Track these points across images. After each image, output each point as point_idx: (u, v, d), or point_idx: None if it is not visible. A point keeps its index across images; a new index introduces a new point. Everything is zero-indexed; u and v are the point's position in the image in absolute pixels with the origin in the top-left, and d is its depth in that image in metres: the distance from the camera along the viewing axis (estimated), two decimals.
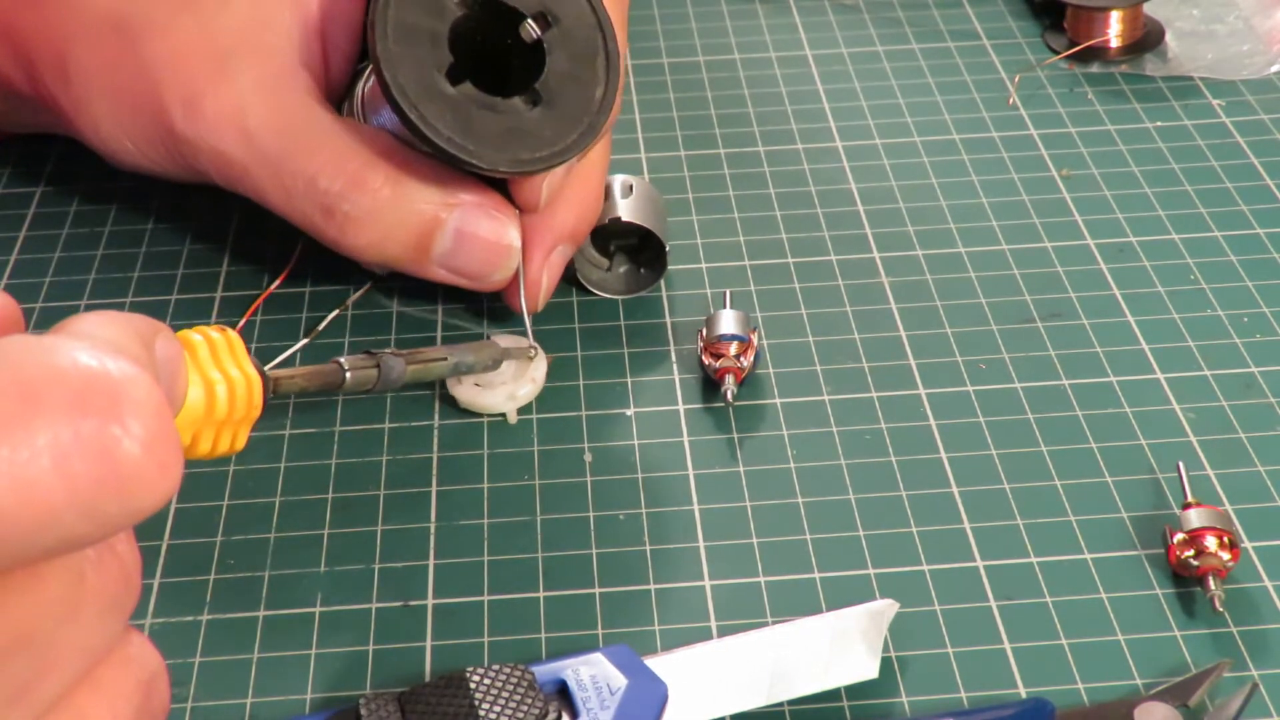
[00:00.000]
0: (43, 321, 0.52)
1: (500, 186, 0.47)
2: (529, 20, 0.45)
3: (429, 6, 0.44)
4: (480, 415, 0.47)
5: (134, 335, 0.28)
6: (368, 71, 0.49)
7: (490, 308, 0.51)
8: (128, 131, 0.49)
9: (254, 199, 0.48)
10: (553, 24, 0.45)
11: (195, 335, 0.34)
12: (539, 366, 0.47)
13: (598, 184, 0.50)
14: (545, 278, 0.48)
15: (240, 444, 0.35)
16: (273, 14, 0.48)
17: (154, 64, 0.48)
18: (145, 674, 0.28)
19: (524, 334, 0.48)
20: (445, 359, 0.44)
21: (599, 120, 0.45)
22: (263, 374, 0.36)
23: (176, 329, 0.50)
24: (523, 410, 0.47)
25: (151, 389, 0.25)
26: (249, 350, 0.35)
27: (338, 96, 0.50)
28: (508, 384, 0.47)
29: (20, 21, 0.50)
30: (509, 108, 0.45)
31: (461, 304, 0.51)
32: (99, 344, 0.26)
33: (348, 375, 0.40)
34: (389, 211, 0.46)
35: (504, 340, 0.47)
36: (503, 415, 0.47)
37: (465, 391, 0.47)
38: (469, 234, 0.46)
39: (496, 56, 0.46)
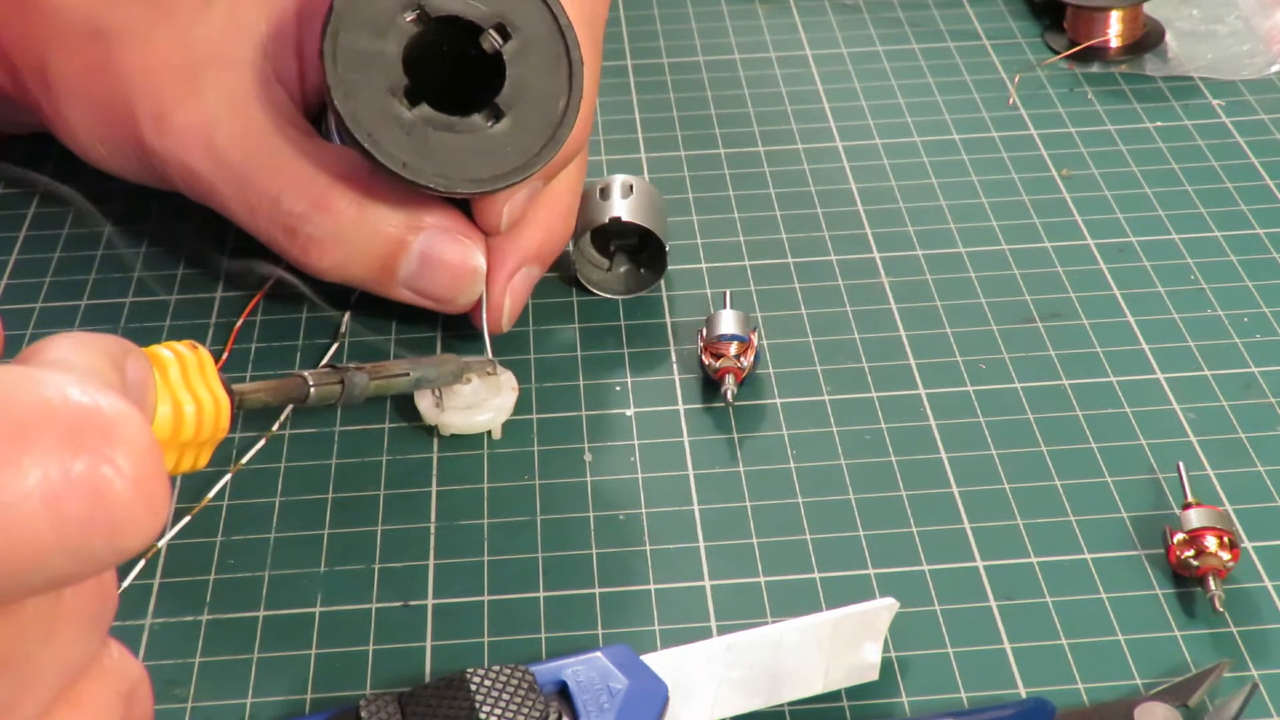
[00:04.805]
0: (42, 322, 0.52)
1: (465, 208, 0.47)
2: (489, 31, 0.44)
3: (379, 28, 0.44)
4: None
5: (108, 360, 0.28)
6: None
7: None
8: (101, 139, 0.49)
9: (219, 212, 0.48)
10: (512, 35, 0.44)
11: (166, 353, 0.34)
12: (509, 377, 0.47)
13: (566, 206, 0.49)
14: (508, 299, 0.48)
15: (202, 463, 0.35)
16: (248, 28, 0.48)
17: (127, 74, 0.48)
18: (125, 685, 0.28)
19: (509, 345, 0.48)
20: (408, 374, 0.44)
21: (563, 131, 0.44)
22: (229, 391, 0.35)
23: (177, 329, 0.51)
24: (522, 410, 0.47)
25: (143, 427, 0.24)
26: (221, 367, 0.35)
27: (315, 111, 0.50)
28: (489, 398, 0.46)
29: (4, 26, 0.50)
30: (469, 125, 0.44)
31: None
32: (87, 377, 0.25)
33: (312, 390, 0.40)
34: (352, 234, 0.46)
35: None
36: (488, 434, 0.47)
37: (452, 417, 0.46)
38: (434, 258, 0.46)
39: (457, 71, 0.45)
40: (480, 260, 0.47)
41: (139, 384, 0.29)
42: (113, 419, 0.24)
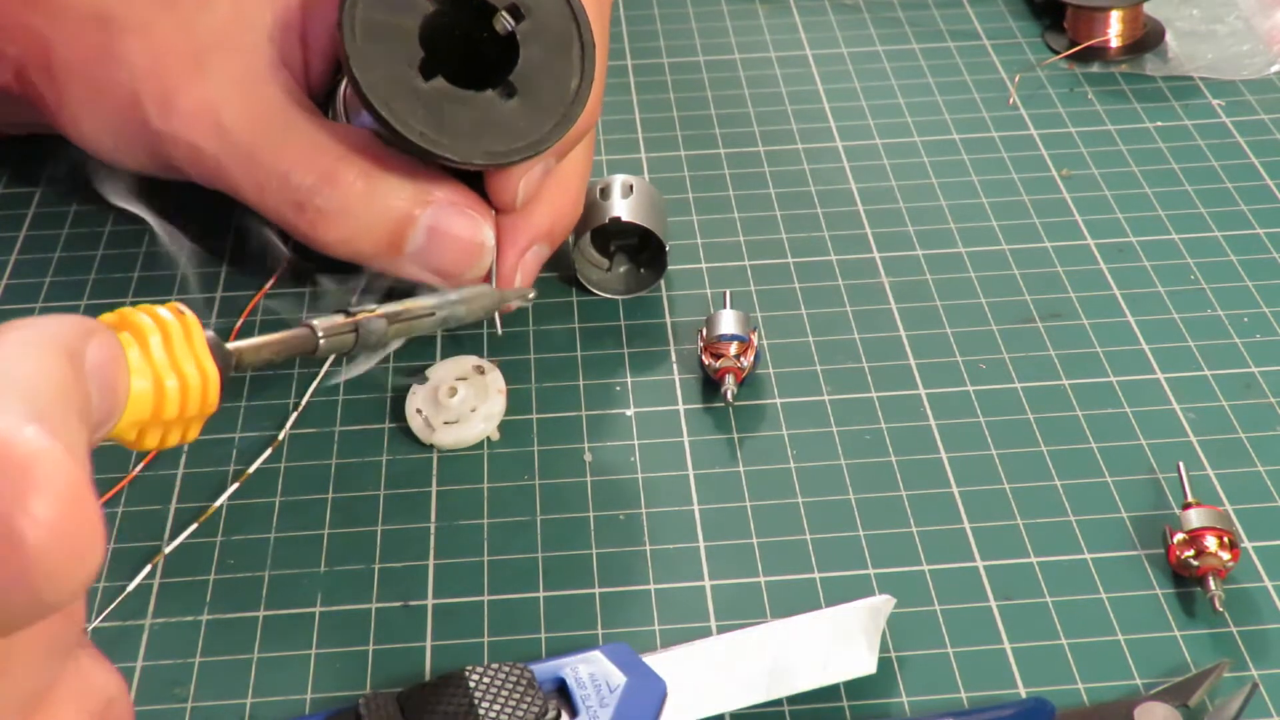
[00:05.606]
0: None
1: (477, 184, 0.47)
2: (502, 12, 0.45)
3: (397, 6, 0.44)
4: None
5: (55, 358, 0.25)
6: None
7: None
8: (107, 128, 0.49)
9: (229, 194, 0.48)
10: (526, 16, 0.45)
11: (145, 318, 0.31)
12: (496, 377, 0.47)
13: (577, 187, 0.49)
14: (519, 277, 0.48)
15: (192, 437, 0.32)
16: (253, 14, 0.48)
17: (132, 61, 0.48)
18: (96, 704, 0.26)
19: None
20: (433, 313, 0.41)
21: (575, 110, 0.45)
22: (220, 354, 0.32)
23: None
24: (522, 410, 0.47)
25: (63, 464, 0.22)
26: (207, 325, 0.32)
27: (320, 98, 0.50)
28: (477, 407, 0.46)
29: (7, 19, 0.50)
30: (483, 101, 0.44)
31: None
32: (5, 400, 0.23)
33: (321, 341, 0.37)
34: (361, 207, 0.46)
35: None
36: (487, 439, 0.47)
37: (444, 435, 0.46)
38: (442, 231, 0.46)
39: (471, 50, 0.46)
40: (489, 235, 0.47)
41: (103, 368, 0.28)
42: (27, 458, 0.22)
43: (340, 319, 0.38)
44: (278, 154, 0.46)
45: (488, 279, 0.47)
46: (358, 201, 0.46)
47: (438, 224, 0.46)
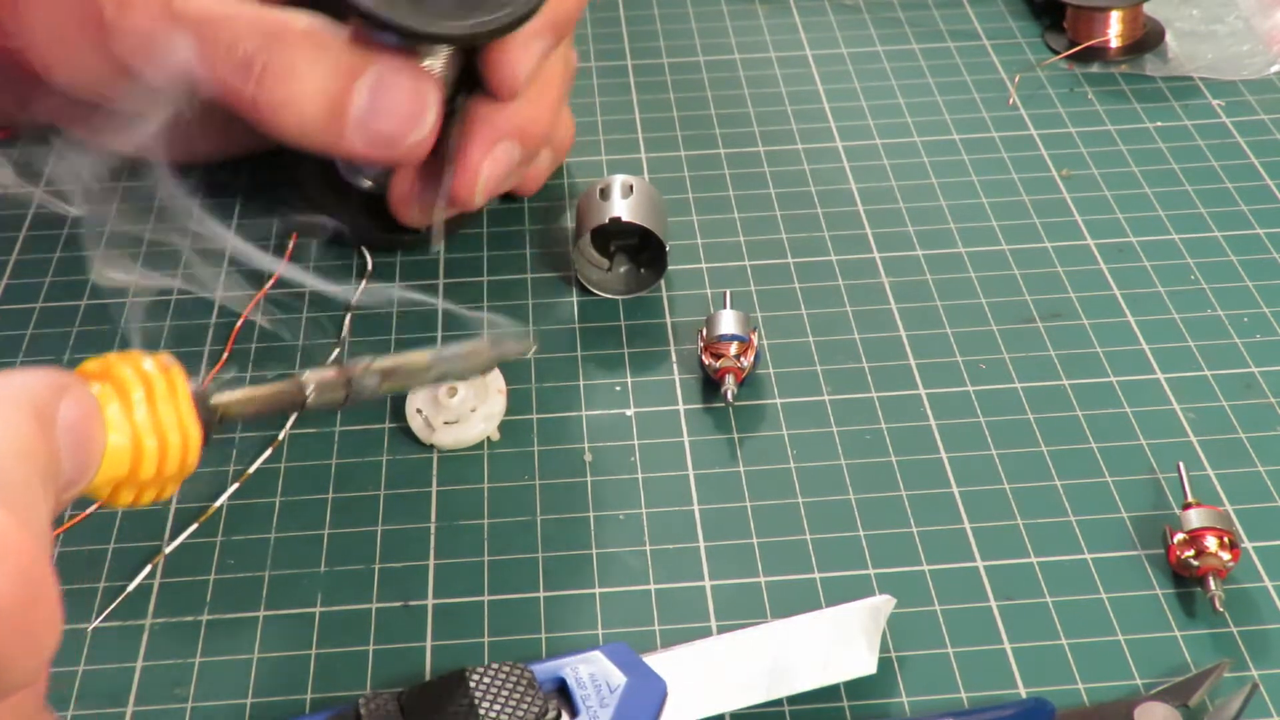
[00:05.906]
0: (42, 322, 0.52)
1: (474, 82, 0.47)
2: None
3: None
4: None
5: (19, 419, 0.24)
6: None
7: (495, 306, 0.51)
8: (70, 46, 0.49)
9: (180, 84, 0.47)
10: None
11: (129, 371, 0.30)
12: (496, 377, 0.47)
13: (554, 92, 0.50)
14: (485, 169, 0.48)
15: (168, 495, 0.31)
16: None
17: None
18: None
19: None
20: (428, 369, 0.38)
21: None
22: (204, 410, 0.31)
23: (176, 330, 0.51)
24: (522, 410, 0.47)
25: (14, 540, 0.20)
26: (190, 376, 0.31)
27: None
28: (478, 408, 0.46)
29: None
30: None
31: (459, 299, 0.51)
32: None
33: (310, 397, 0.35)
34: (307, 64, 0.45)
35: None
36: (487, 439, 0.47)
37: (444, 435, 0.46)
38: (387, 86, 0.46)
39: None
40: (433, 92, 0.46)
41: (75, 427, 0.27)
42: None
43: (332, 373, 0.36)
44: (227, 24, 0.46)
45: (453, 169, 0.48)
46: (303, 58, 0.45)
47: (383, 80, 0.46)
